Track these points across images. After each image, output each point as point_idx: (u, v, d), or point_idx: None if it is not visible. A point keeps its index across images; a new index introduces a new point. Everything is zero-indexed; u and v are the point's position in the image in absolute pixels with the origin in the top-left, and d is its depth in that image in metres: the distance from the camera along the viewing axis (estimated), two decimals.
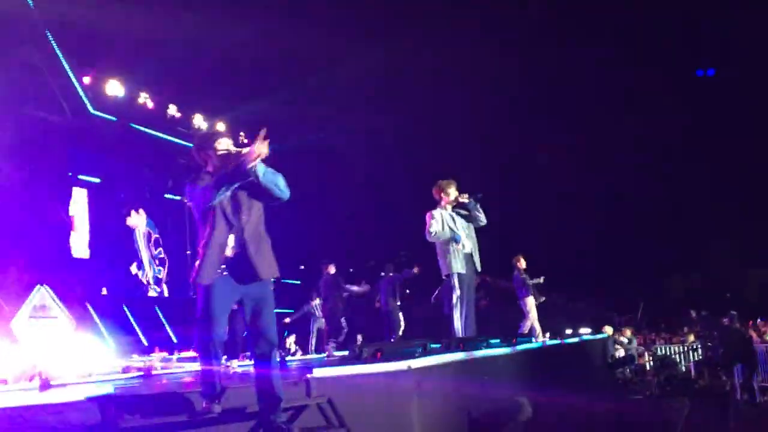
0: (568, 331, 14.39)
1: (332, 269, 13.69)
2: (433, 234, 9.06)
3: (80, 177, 14.98)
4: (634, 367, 17.34)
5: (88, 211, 14.95)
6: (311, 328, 14.93)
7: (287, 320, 14.92)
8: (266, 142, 4.59)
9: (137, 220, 16.60)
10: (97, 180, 15.34)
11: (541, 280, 13.24)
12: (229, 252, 4.78)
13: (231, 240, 4.79)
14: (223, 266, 4.76)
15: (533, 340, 10.90)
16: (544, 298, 13.22)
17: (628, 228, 24.86)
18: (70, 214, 14.40)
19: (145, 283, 16.60)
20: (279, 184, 4.86)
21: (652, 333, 21.08)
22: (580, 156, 22.90)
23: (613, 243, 24.26)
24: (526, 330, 12.22)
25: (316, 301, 15.01)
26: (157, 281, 16.99)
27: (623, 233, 24.62)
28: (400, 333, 13.78)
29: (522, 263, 13.29)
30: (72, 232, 14.47)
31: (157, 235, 17.14)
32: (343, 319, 13.83)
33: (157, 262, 17.01)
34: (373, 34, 18.70)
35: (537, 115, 22.41)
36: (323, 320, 14.65)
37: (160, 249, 17.18)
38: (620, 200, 24.93)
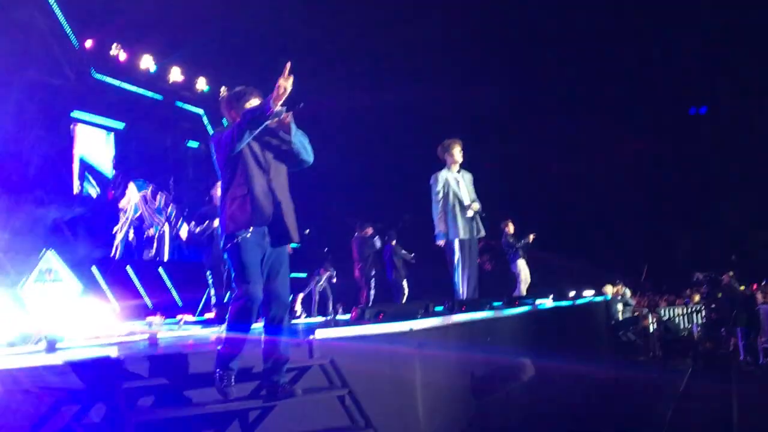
0: (571, 293, 14.40)
1: (369, 231, 13.61)
2: (437, 199, 9.06)
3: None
4: (638, 329, 17.42)
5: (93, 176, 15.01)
6: (313, 290, 14.90)
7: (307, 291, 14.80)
8: (290, 78, 4.44)
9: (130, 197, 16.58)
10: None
11: (530, 238, 13.20)
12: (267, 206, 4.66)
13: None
14: (268, 213, 4.65)
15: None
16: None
17: (633, 189, 24.77)
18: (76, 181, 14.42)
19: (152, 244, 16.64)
20: (307, 147, 4.82)
21: (656, 295, 21.11)
22: (584, 115, 22.73)
23: (618, 204, 24.18)
24: (523, 293, 12.24)
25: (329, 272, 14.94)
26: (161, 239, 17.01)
27: (628, 194, 24.53)
28: (403, 301, 13.70)
29: (510, 228, 13.28)
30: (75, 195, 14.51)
31: (164, 194, 17.07)
32: (372, 281, 13.78)
33: (164, 219, 16.99)
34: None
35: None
36: (326, 284, 14.68)
37: (171, 206, 17.15)
38: (624, 161, 24.79)
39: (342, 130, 18.71)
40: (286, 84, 4.41)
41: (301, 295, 14.85)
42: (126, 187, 16.14)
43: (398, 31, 17.97)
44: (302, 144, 4.78)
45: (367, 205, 17.48)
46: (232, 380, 4.55)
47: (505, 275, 13.67)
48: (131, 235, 16.05)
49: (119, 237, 15.69)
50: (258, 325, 4.78)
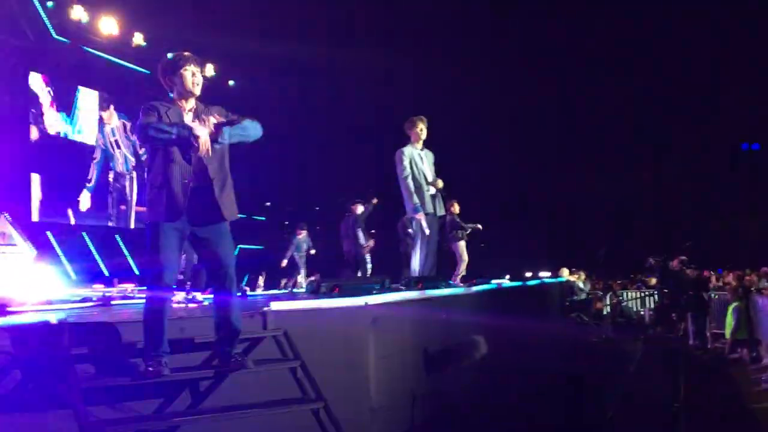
0: (528, 274, 14.58)
1: (359, 209, 13.36)
2: (405, 175, 9.04)
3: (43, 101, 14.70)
4: (591, 311, 17.70)
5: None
6: (299, 264, 14.64)
7: (284, 263, 14.59)
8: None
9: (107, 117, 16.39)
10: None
11: (479, 227, 13.29)
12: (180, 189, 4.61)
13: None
14: (182, 206, 4.58)
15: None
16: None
17: (594, 170, 25.06)
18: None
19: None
20: (249, 135, 4.76)
21: (610, 279, 21.44)
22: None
23: (580, 186, 24.46)
24: (461, 273, 12.25)
25: (303, 235, 14.72)
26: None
27: (589, 175, 24.81)
28: (368, 275, 13.61)
29: (456, 208, 13.36)
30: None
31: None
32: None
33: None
34: None
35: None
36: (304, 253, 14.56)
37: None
38: (584, 143, 25.04)
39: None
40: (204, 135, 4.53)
41: (285, 262, 14.50)
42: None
43: None
44: (241, 136, 4.72)
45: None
46: (164, 362, 4.49)
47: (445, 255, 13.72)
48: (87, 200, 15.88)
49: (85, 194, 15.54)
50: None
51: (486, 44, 21.53)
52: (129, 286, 11.62)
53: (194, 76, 4.74)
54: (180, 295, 7.74)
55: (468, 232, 12.59)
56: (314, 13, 18.75)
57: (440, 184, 9.19)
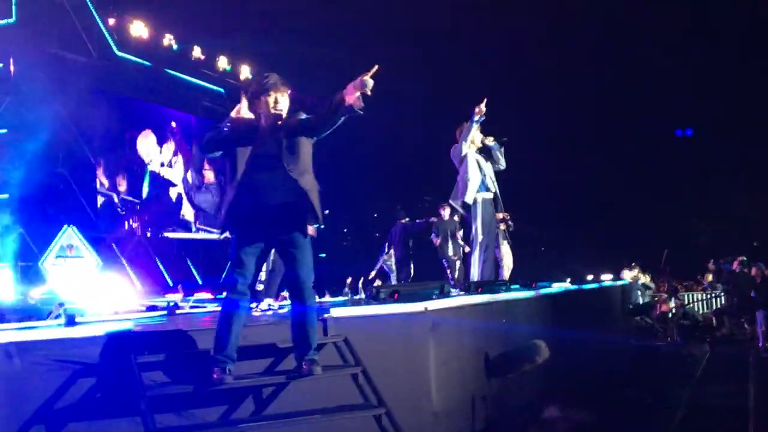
0: (589, 277, 14.37)
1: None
2: (463, 152, 9.08)
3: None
4: (657, 314, 17.38)
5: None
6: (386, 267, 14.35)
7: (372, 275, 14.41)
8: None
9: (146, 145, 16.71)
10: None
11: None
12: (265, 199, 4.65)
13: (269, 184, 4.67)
14: (258, 212, 4.63)
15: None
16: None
17: (653, 175, 24.66)
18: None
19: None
20: (316, 127, 4.79)
21: (675, 281, 21.02)
22: (605, 104, 22.67)
23: (638, 190, 24.07)
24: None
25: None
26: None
27: (648, 180, 24.43)
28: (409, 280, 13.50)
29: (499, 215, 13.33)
30: (98, 172, 14.62)
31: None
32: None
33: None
34: None
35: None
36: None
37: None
38: (646, 147, 24.66)
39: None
40: (370, 82, 4.45)
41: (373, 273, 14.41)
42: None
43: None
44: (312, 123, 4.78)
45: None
46: (227, 370, 4.55)
47: (522, 257, 13.62)
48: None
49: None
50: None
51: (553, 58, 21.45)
52: (192, 296, 11.83)
53: (277, 103, 4.75)
54: (264, 303, 7.85)
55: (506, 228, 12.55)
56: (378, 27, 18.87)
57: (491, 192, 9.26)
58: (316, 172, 4.85)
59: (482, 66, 20.54)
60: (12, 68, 13.26)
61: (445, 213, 13.01)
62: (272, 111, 4.74)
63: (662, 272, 20.95)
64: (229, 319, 4.63)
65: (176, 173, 17.09)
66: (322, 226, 5.00)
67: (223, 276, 5.03)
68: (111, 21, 15.07)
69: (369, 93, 4.47)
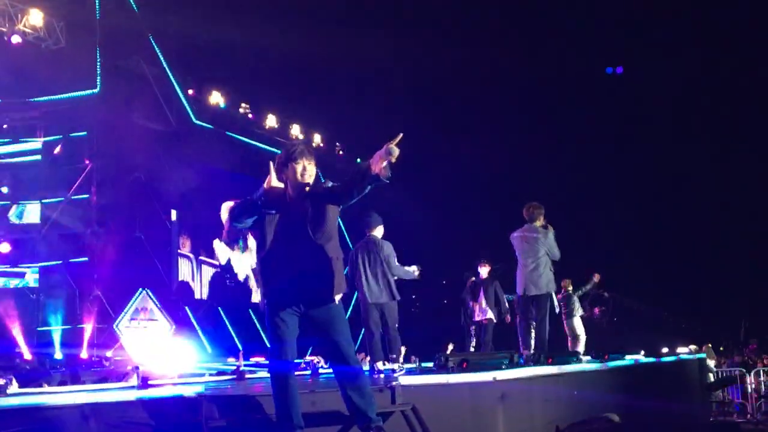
0: (665, 350, 13.99)
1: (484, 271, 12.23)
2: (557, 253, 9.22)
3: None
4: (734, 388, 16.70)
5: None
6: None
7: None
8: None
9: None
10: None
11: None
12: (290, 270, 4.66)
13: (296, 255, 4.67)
14: (289, 286, 4.65)
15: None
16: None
17: (729, 243, 24.02)
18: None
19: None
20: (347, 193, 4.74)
21: (756, 354, 20.21)
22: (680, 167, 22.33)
23: (715, 260, 23.46)
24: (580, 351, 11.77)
25: None
26: None
27: (724, 248, 23.80)
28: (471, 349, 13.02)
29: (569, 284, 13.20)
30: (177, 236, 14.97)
31: None
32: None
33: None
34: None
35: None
36: None
37: None
38: (726, 213, 24.06)
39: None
40: (395, 151, 4.41)
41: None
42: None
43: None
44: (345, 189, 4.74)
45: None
46: None
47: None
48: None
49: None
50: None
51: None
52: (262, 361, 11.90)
53: (305, 170, 4.76)
54: (379, 364, 7.83)
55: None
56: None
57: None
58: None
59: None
60: (93, 136, 13.81)
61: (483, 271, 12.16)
62: (299, 179, 4.74)
63: (741, 344, 20.23)
64: (280, 385, 4.64)
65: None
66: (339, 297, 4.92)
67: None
68: (190, 91, 15.62)
69: (394, 161, 4.44)
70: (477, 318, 11.88)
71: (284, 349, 4.67)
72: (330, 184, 4.83)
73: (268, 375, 4.76)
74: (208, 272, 16.02)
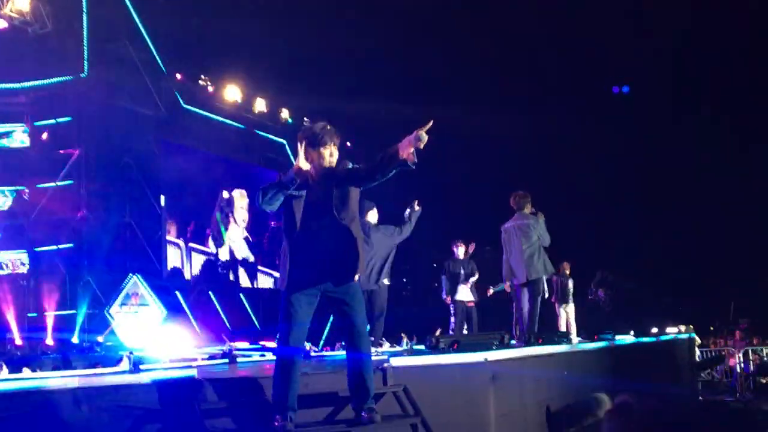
0: (654, 329, 14.09)
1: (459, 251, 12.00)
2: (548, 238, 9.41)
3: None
4: (725, 369, 16.86)
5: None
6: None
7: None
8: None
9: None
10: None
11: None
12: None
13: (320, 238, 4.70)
14: (312, 260, 4.68)
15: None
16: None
17: (719, 223, 24.06)
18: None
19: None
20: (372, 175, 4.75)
21: (746, 333, 20.33)
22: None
23: (704, 242, 23.51)
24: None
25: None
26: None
27: (713, 228, 23.84)
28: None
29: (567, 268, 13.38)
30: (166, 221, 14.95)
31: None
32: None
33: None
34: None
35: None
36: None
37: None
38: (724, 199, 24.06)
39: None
40: (424, 137, 4.40)
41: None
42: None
43: None
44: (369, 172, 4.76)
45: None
46: (289, 418, 4.58)
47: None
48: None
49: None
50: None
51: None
52: (252, 343, 11.92)
53: (331, 156, 4.80)
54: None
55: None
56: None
57: None
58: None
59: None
60: (81, 121, 13.73)
61: (459, 252, 11.98)
62: (325, 163, 4.78)
63: (731, 325, 20.31)
64: (285, 368, 4.66)
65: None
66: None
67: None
68: (178, 76, 15.54)
69: (422, 147, 4.45)
70: (459, 298, 11.75)
71: (295, 331, 4.69)
72: (350, 165, 4.85)
73: (274, 356, 4.77)
74: (198, 258, 16.01)
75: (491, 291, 12.53)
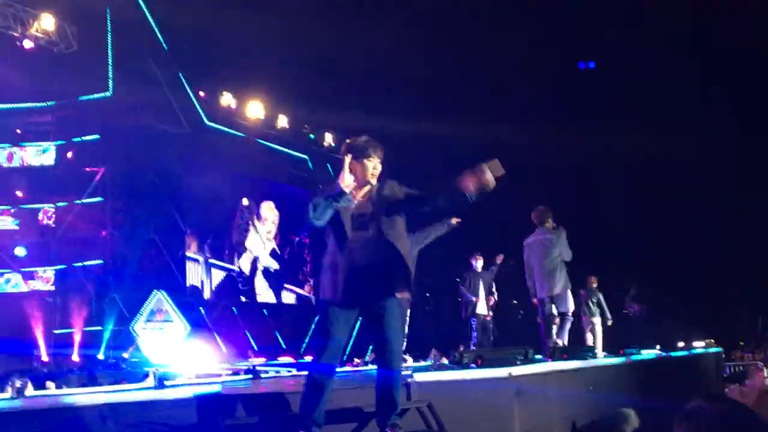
0: (680, 344, 13.93)
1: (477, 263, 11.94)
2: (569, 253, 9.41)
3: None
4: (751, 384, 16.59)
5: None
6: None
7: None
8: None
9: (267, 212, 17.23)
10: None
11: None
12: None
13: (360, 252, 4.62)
14: (355, 276, 4.60)
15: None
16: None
17: (747, 236, 23.79)
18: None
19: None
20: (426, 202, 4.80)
21: None
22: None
23: (732, 253, 23.25)
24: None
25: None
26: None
27: (741, 242, 23.58)
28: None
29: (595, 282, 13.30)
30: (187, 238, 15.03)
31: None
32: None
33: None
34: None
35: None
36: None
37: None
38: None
39: None
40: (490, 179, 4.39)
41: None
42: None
43: None
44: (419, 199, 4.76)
45: None
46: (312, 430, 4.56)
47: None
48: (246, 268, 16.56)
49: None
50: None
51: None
52: (276, 360, 11.94)
53: (375, 169, 4.75)
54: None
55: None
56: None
57: None
58: None
59: None
60: (106, 139, 13.89)
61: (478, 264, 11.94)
62: (369, 176, 4.73)
63: (759, 338, 20.08)
64: (316, 384, 4.61)
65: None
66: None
67: (307, 340, 5.04)
68: (201, 93, 15.66)
69: (489, 190, 4.41)
70: (480, 312, 11.69)
71: (330, 347, 4.62)
72: (403, 188, 4.79)
73: (307, 371, 4.74)
74: (218, 275, 16.09)
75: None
